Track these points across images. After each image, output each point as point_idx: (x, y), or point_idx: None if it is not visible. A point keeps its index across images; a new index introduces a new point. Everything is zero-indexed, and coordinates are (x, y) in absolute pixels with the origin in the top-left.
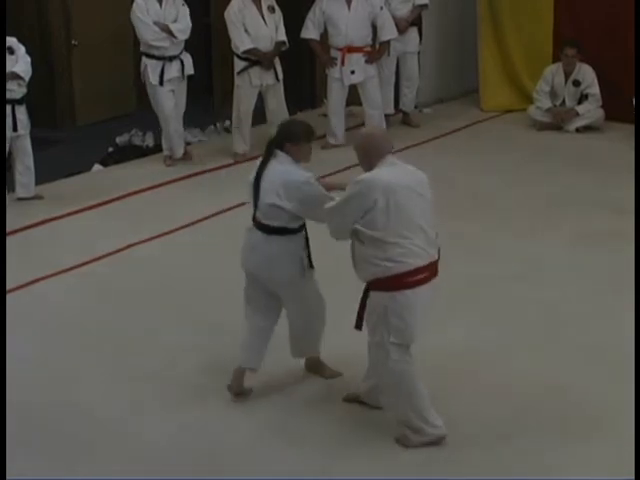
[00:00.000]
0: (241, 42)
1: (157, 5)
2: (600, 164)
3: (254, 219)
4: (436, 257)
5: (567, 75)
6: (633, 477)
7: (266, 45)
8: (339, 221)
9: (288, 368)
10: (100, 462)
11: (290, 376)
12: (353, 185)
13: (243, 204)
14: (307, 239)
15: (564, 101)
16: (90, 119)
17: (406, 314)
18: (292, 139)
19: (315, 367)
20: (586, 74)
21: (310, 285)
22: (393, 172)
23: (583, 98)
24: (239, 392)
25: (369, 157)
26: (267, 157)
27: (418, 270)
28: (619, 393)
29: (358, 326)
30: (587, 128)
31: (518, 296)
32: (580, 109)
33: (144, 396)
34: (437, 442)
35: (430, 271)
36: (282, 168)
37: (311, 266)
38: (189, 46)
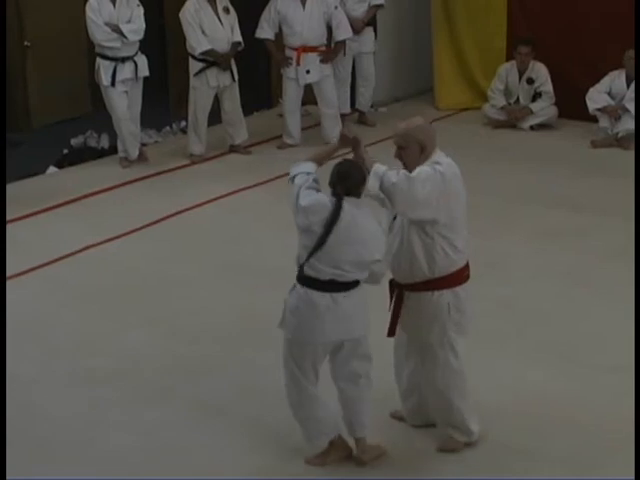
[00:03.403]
0: (198, 43)
1: (110, 6)
2: (555, 161)
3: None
4: None
5: (521, 73)
6: (633, 477)
7: (223, 46)
8: (431, 191)
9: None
10: (59, 464)
11: (261, 376)
12: (436, 166)
13: (200, 205)
14: None
15: (518, 99)
16: (45, 121)
17: (465, 307)
18: (364, 181)
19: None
20: (540, 72)
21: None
22: (453, 163)
23: (537, 96)
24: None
25: (425, 150)
26: (339, 209)
27: (467, 265)
28: (586, 388)
29: (392, 333)
30: (541, 126)
31: (481, 294)
32: (534, 107)
33: (103, 397)
34: (474, 442)
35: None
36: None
37: None
38: (144, 47)
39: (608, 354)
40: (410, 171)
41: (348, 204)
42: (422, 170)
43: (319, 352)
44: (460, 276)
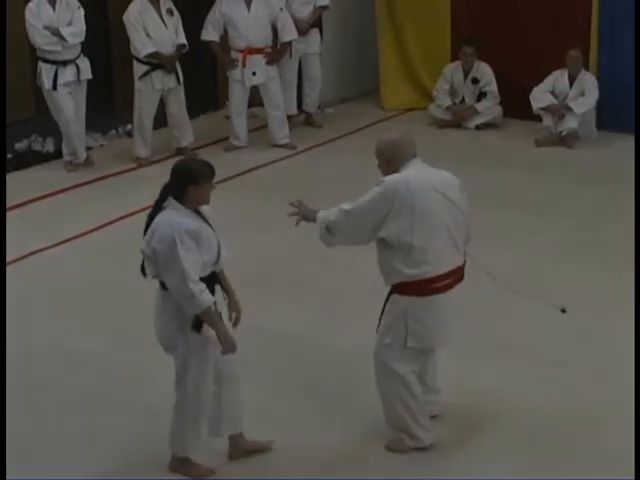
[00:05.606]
0: (142, 46)
1: (50, 9)
2: (500, 160)
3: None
4: (461, 263)
5: (466, 73)
6: (633, 477)
7: (167, 48)
8: (358, 225)
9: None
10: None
11: None
12: (376, 187)
13: (147, 208)
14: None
15: (463, 99)
16: None
17: (426, 319)
18: (196, 180)
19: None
20: (484, 72)
21: (197, 358)
22: (418, 173)
23: (482, 96)
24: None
25: (392, 164)
26: (160, 205)
27: (439, 277)
28: (528, 386)
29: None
30: (486, 125)
31: None
32: (479, 107)
33: (45, 405)
34: (428, 448)
35: (454, 277)
36: (164, 217)
37: (196, 328)
38: (88, 50)
39: (547, 351)
40: None
41: (167, 203)
42: (357, 203)
43: None
44: (421, 287)
